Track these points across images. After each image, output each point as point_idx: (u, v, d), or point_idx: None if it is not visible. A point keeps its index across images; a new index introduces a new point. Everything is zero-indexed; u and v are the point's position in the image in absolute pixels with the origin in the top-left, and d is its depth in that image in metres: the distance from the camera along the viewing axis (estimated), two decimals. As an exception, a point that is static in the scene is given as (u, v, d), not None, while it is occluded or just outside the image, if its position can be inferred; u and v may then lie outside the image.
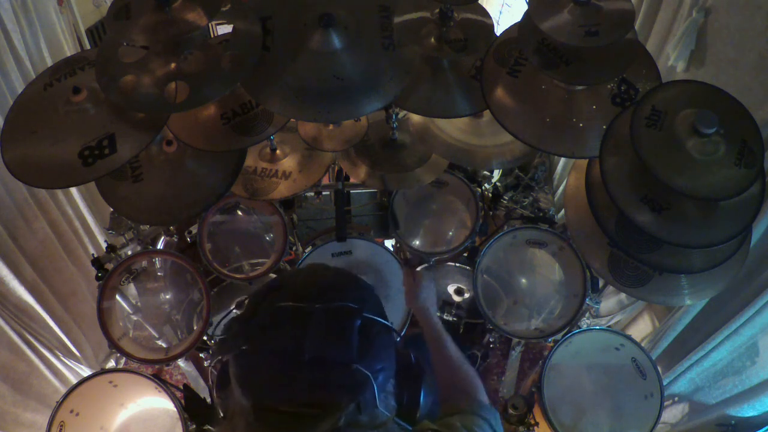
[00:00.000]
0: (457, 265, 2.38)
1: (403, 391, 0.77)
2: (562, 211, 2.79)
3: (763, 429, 1.79)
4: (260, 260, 2.34)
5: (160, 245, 2.31)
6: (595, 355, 2.11)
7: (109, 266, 1.96)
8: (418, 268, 1.54)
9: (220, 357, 0.73)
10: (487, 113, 1.65)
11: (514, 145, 1.87)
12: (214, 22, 2.10)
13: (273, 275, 2.20)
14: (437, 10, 1.54)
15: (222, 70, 1.39)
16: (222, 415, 0.77)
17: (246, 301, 0.76)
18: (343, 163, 1.99)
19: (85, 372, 2.46)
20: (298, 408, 0.65)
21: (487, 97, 1.53)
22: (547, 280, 2.23)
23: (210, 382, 2.49)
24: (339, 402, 0.65)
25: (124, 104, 1.36)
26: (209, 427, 1.87)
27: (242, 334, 0.70)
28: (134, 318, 2.23)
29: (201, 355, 2.32)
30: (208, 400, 2.09)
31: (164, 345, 2.17)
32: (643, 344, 2.03)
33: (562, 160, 3.00)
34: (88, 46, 2.60)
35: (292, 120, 1.74)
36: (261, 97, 1.42)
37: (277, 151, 2.01)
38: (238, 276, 2.16)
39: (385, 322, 0.74)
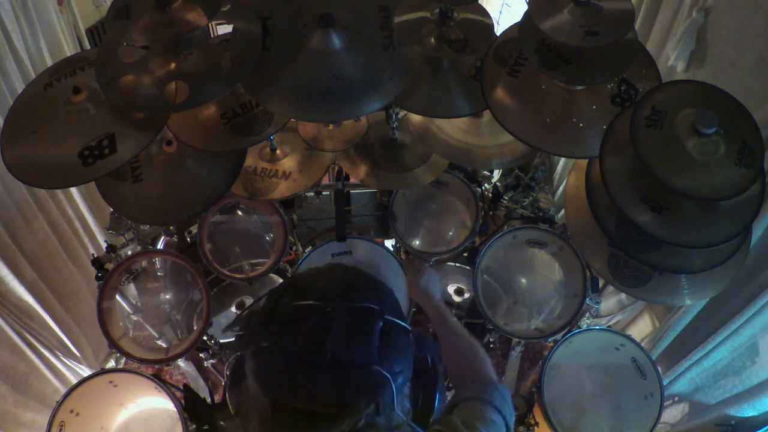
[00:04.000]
0: (457, 265, 2.38)
1: (419, 394, 0.77)
2: (562, 211, 2.79)
3: (763, 429, 1.79)
4: (260, 260, 2.34)
5: (160, 245, 2.31)
6: (595, 355, 2.11)
7: (109, 266, 1.96)
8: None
9: (237, 352, 0.72)
10: (487, 113, 1.65)
11: (514, 145, 1.87)
12: (214, 22, 2.10)
13: (273, 275, 2.20)
14: (437, 10, 1.54)
15: (222, 70, 1.39)
16: (234, 411, 0.76)
17: (263, 298, 0.76)
18: (343, 163, 1.99)
19: (85, 372, 2.46)
20: (318, 407, 0.65)
21: (487, 97, 1.53)
22: (547, 280, 2.23)
23: (210, 383, 2.49)
24: (358, 403, 0.65)
25: (124, 104, 1.36)
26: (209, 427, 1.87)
27: (262, 330, 0.69)
28: (134, 318, 2.23)
29: (201, 355, 2.31)
30: (208, 400, 2.09)
31: (164, 345, 2.17)
32: (643, 344, 2.03)
33: (562, 160, 3.00)
34: (88, 46, 2.60)
35: (292, 120, 1.74)
36: (261, 97, 1.42)
37: (277, 151, 2.01)
38: (238, 276, 2.16)
39: (405, 325, 0.73)
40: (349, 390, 0.65)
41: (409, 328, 0.75)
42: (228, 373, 0.77)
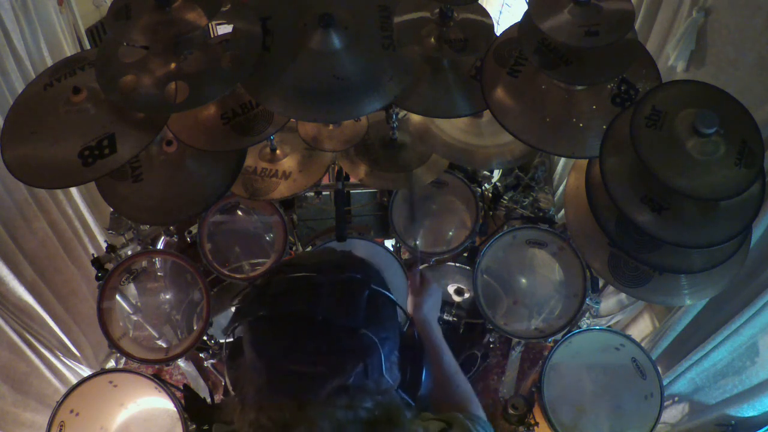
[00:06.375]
0: (457, 265, 2.38)
1: (407, 366, 0.82)
2: (562, 211, 2.79)
3: (763, 429, 1.78)
4: (260, 260, 2.34)
5: (160, 245, 2.31)
6: (595, 355, 2.11)
7: (109, 266, 1.96)
8: (420, 267, 1.45)
9: (236, 324, 0.77)
10: (487, 113, 1.65)
11: (514, 145, 1.87)
12: (214, 22, 2.10)
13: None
14: (437, 10, 1.54)
15: (222, 70, 1.39)
16: (231, 387, 0.80)
17: (260, 278, 0.81)
18: (343, 163, 1.99)
19: (85, 372, 2.46)
20: (309, 367, 0.69)
21: (487, 97, 1.53)
22: (547, 280, 2.23)
23: (210, 383, 2.49)
24: (347, 363, 0.69)
25: (124, 104, 1.36)
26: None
27: (258, 302, 0.74)
28: (134, 318, 2.23)
29: (201, 355, 2.31)
30: (208, 400, 2.09)
31: (164, 345, 2.17)
32: (643, 344, 2.03)
33: (562, 160, 2.99)
34: (88, 46, 2.60)
35: (292, 120, 1.74)
36: (261, 97, 1.42)
37: (277, 151, 2.01)
38: (238, 276, 2.16)
39: (390, 296, 0.79)
40: (339, 351, 0.70)
41: (395, 300, 0.81)
42: (227, 351, 0.83)
